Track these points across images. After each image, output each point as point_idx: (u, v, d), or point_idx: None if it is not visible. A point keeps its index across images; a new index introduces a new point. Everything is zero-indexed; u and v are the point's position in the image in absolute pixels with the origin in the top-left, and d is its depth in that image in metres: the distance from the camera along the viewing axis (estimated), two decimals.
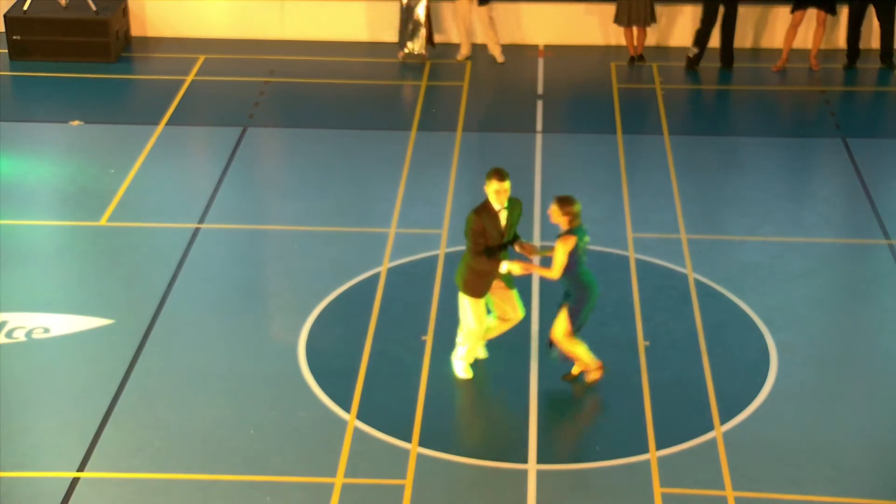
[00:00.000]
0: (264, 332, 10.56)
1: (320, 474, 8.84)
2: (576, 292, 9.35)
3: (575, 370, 9.78)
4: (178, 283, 11.17)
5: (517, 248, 9.47)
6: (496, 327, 9.80)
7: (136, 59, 16.38)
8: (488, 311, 9.72)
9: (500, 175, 9.23)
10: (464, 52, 16.34)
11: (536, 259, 9.78)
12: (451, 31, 16.77)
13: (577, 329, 9.44)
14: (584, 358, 9.57)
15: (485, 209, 9.31)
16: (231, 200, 12.69)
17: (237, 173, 13.29)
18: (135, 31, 16.93)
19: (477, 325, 9.59)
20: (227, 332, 10.55)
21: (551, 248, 9.26)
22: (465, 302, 9.58)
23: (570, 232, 9.16)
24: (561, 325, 9.43)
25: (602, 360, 9.78)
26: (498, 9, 16.33)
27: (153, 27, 17.00)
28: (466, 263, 9.48)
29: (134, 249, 11.78)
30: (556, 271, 9.20)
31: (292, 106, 15.12)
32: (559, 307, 9.44)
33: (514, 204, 9.38)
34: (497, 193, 9.23)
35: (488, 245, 9.31)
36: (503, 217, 9.32)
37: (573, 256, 9.17)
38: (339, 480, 8.78)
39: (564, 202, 9.14)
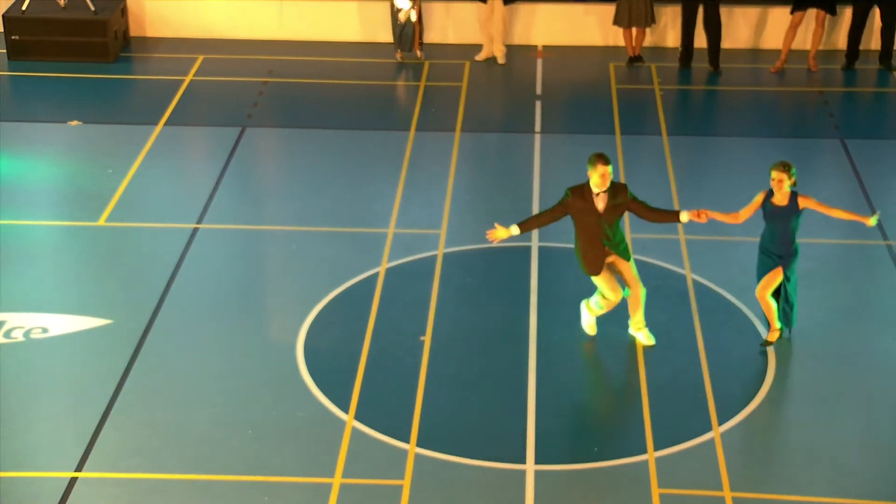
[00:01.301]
0: (263, 333, 10.56)
1: (318, 474, 8.83)
2: (797, 253, 9.91)
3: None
4: (176, 283, 11.17)
5: (684, 217, 9.85)
6: (633, 307, 10.10)
7: (135, 60, 16.38)
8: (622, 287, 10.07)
9: (604, 159, 9.56)
10: (485, 53, 16.31)
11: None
12: (446, 32, 16.77)
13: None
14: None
15: (581, 190, 9.68)
16: (229, 201, 12.69)
17: (235, 173, 13.29)
18: (133, 31, 16.93)
19: (610, 296, 10.00)
20: (226, 332, 10.55)
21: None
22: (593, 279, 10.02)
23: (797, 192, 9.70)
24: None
25: (602, 361, 9.82)
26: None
27: (152, 27, 17.00)
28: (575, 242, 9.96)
29: (132, 250, 11.77)
30: (743, 216, 9.93)
31: (291, 106, 15.12)
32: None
33: (618, 188, 9.71)
34: (602, 177, 9.55)
35: (581, 224, 9.70)
36: (601, 199, 9.61)
37: (800, 217, 9.76)
38: (337, 481, 8.78)
39: (785, 166, 9.60)
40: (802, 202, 9.68)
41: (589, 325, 10.32)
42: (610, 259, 9.85)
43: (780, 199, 9.71)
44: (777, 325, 10.03)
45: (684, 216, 9.82)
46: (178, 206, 12.54)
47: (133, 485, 8.77)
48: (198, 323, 10.67)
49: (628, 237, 11.85)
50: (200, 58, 16.29)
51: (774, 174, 9.63)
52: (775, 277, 9.89)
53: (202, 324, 10.66)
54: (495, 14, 16.06)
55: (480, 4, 16.09)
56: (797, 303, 10.08)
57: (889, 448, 9.09)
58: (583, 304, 10.33)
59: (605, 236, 9.72)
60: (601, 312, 10.19)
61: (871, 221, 9.81)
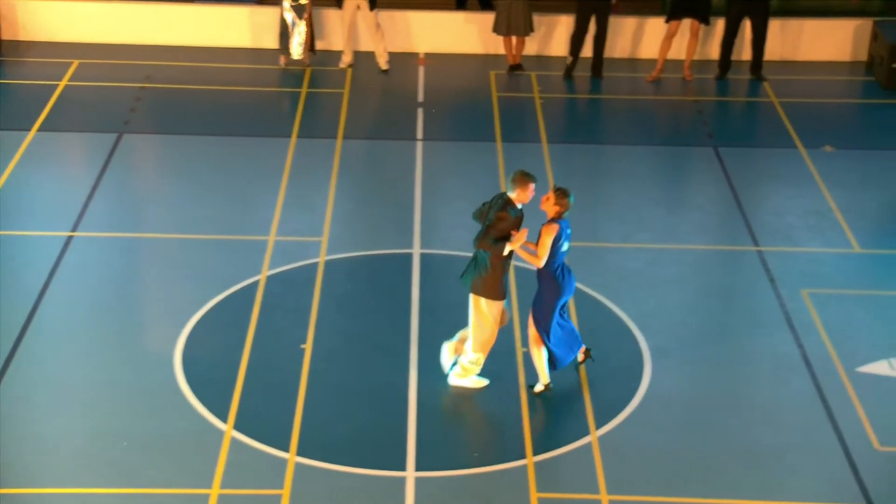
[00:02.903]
0: (140, 342, 10.39)
1: (196, 485, 8.72)
2: (547, 285, 9.43)
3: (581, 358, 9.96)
4: (49, 292, 10.93)
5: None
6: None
7: (7, 64, 15.98)
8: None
9: (533, 177, 9.34)
10: (347, 59, 16.33)
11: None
12: (333, 39, 16.74)
13: (548, 328, 9.52)
14: (543, 368, 9.69)
15: (512, 208, 9.33)
16: (106, 208, 12.46)
17: (112, 180, 13.05)
18: (5, 34, 16.50)
19: (492, 330, 9.53)
20: (102, 342, 10.35)
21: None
22: (485, 307, 9.44)
23: (553, 220, 9.33)
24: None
25: (483, 367, 9.90)
26: (380, 16, 16.35)
27: (25, 31, 16.61)
28: (490, 265, 9.33)
29: (4, 258, 11.48)
30: (540, 259, 9.34)
31: (170, 112, 14.92)
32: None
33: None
34: (530, 195, 9.31)
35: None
36: (521, 217, 9.37)
37: (554, 248, 9.31)
38: (215, 491, 8.68)
39: (563, 194, 9.34)
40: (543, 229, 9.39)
41: (478, 382, 9.86)
42: None
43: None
44: (547, 379, 9.71)
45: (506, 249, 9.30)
46: (52, 213, 12.27)
47: (6, 500, 8.54)
48: (72, 333, 10.45)
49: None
50: (76, 62, 15.97)
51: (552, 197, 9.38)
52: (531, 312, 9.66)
53: (77, 334, 10.45)
54: (367, 21, 16.07)
55: (344, 9, 16.05)
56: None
57: (760, 449, 9.32)
58: (455, 376, 9.83)
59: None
60: (479, 366, 9.74)
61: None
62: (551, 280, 9.46)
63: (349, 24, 16.12)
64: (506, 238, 9.26)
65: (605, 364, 10.20)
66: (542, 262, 9.37)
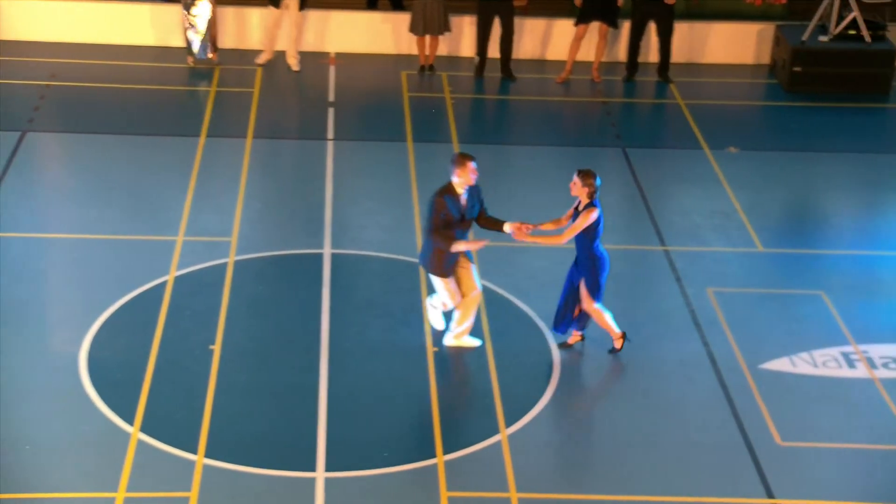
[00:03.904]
0: (44, 344, 10.21)
1: (101, 489, 8.61)
2: (592, 263, 9.91)
3: (571, 340, 10.41)
4: None
5: (507, 229, 9.96)
6: (466, 312, 10.22)
7: None
8: None
9: (472, 157, 9.81)
10: (266, 57, 16.20)
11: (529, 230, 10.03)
12: (242, 37, 16.61)
13: (599, 298, 10.09)
14: (610, 325, 10.26)
15: (448, 191, 9.80)
16: (8, 208, 12.21)
17: (15, 180, 12.80)
18: None
19: (450, 300, 10.13)
20: (5, 344, 10.14)
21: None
22: (438, 283, 10.07)
23: (592, 204, 9.74)
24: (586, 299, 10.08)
25: (393, 367, 9.93)
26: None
27: None
28: (432, 245, 9.88)
29: None
30: (564, 238, 9.87)
31: (76, 110, 14.68)
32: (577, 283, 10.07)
33: (476, 189, 9.95)
34: (474, 173, 9.77)
35: (450, 225, 9.78)
36: (464, 199, 9.81)
37: (595, 229, 9.78)
38: (121, 495, 8.57)
39: (586, 175, 9.73)
40: (583, 215, 9.86)
41: (440, 321, 10.47)
42: (458, 261, 10.09)
43: (581, 207, 9.94)
44: (617, 331, 10.35)
45: (507, 227, 10.01)
46: None
47: None
48: None
49: (418, 243, 12.01)
50: None
51: (577, 181, 9.86)
52: (581, 287, 10.16)
53: None
54: (290, 20, 15.99)
55: (271, 9, 15.98)
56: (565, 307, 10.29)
57: (666, 446, 9.47)
58: (427, 304, 10.54)
59: (463, 236, 9.97)
60: (445, 308, 10.38)
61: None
62: (596, 258, 9.96)
63: (276, 23, 15.99)
64: (450, 225, 9.77)
65: (515, 363, 10.27)
66: (564, 241, 9.89)
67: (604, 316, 10.24)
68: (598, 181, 9.85)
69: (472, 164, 9.80)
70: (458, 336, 10.38)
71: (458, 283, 10.16)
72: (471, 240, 10.13)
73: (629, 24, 16.41)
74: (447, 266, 9.99)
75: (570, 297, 10.24)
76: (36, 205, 12.51)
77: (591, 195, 9.82)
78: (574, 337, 10.48)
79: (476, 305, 10.29)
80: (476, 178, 9.87)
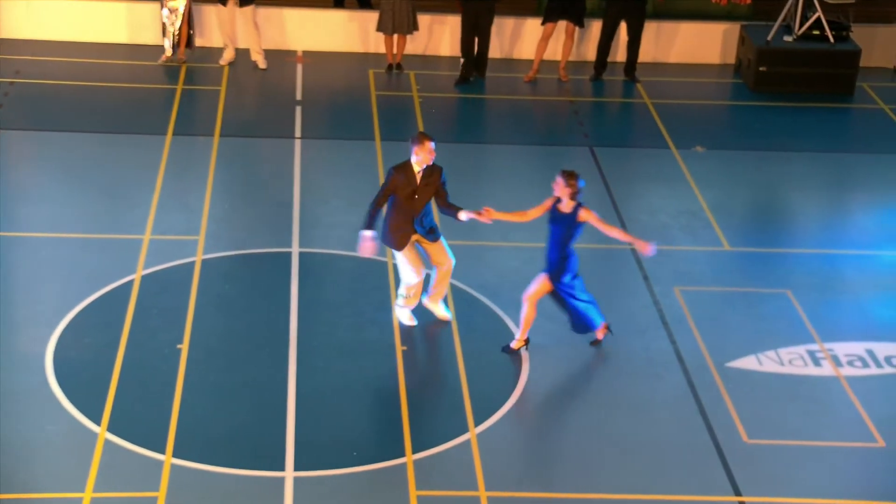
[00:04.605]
0: (9, 343, 10.12)
1: (68, 489, 8.54)
2: (564, 261, 10.03)
3: (600, 335, 10.57)
4: None
5: (462, 216, 10.20)
6: (439, 281, 10.53)
7: None
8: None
9: (429, 136, 10.15)
10: (228, 56, 16.15)
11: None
12: (212, 35, 16.54)
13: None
14: (524, 326, 10.35)
15: (404, 167, 10.12)
16: None
17: None
18: None
19: (413, 275, 10.34)
20: None
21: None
22: (397, 257, 10.41)
23: (581, 204, 9.90)
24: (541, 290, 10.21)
25: (362, 365, 9.95)
26: (258, 14, 16.21)
27: None
28: (385, 219, 10.30)
29: None
30: (611, 228, 10.14)
31: (41, 108, 14.57)
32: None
33: (434, 169, 10.20)
34: (431, 153, 10.08)
35: (398, 199, 10.10)
36: (419, 176, 10.10)
37: (577, 231, 9.96)
38: (88, 495, 8.51)
39: (569, 176, 9.85)
40: (583, 215, 9.95)
41: (408, 317, 10.65)
42: (415, 237, 10.27)
43: (565, 207, 9.97)
44: (525, 335, 10.36)
45: (462, 215, 10.19)
46: None
47: None
48: None
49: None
50: None
51: (560, 181, 9.91)
52: (541, 284, 10.18)
53: None
54: (242, 18, 15.93)
55: (220, 7, 15.90)
56: (582, 306, 10.31)
57: (634, 444, 9.50)
58: (395, 307, 10.74)
59: (416, 213, 10.15)
60: (413, 302, 10.56)
61: (647, 249, 10.10)
62: (567, 257, 10.03)
63: (226, 20, 15.94)
64: (398, 199, 10.13)
65: (484, 362, 10.29)
66: (529, 219, 10.17)
67: (527, 313, 10.23)
68: (582, 183, 9.87)
69: (430, 144, 10.08)
70: (432, 298, 10.66)
71: (430, 257, 10.38)
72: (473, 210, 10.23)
73: (597, 23, 16.46)
74: (395, 236, 10.21)
75: (570, 299, 10.20)
76: (1, 202, 12.39)
77: (573, 196, 9.84)
78: (601, 331, 10.52)
79: (448, 277, 10.55)
80: (433, 159, 10.11)
